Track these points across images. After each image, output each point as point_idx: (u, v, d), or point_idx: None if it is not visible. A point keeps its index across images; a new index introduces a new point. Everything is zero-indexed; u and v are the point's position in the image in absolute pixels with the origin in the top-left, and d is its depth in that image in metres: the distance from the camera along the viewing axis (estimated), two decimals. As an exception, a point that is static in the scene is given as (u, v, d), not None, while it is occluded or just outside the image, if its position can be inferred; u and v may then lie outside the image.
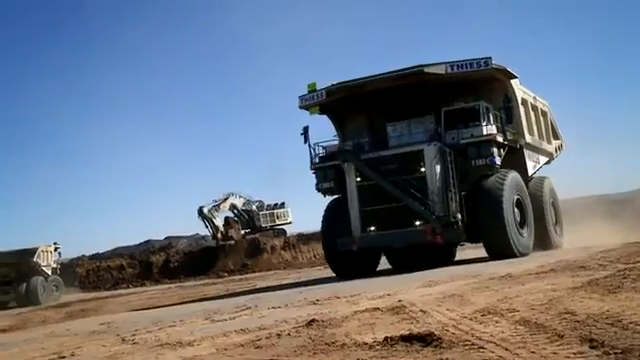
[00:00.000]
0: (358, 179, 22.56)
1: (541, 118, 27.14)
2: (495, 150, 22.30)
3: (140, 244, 60.51)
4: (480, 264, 20.76)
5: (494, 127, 22.66)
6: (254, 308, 14.34)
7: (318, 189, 24.26)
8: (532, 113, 25.96)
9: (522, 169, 24.50)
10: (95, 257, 54.93)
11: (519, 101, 24.24)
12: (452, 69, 22.07)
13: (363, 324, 9.74)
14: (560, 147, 29.60)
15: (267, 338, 9.40)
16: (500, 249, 22.08)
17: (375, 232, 22.46)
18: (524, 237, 23.06)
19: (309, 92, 23.91)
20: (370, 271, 24.11)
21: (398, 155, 22.50)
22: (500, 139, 22.70)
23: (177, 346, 9.80)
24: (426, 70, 22.21)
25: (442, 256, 24.65)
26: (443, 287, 14.14)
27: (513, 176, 22.91)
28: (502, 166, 22.86)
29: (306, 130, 23.95)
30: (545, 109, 27.98)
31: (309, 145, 24.09)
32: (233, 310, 14.36)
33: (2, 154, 75.84)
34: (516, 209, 22.83)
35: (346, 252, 22.56)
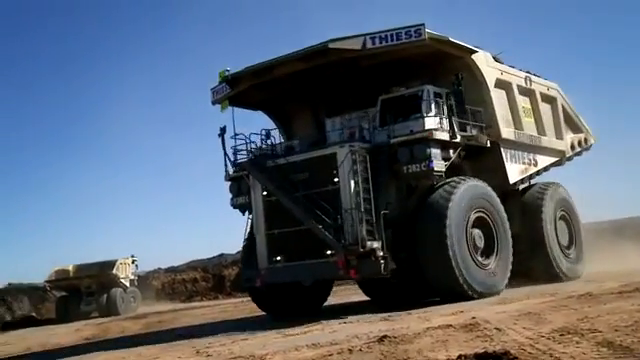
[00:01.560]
0: (265, 193, 17.45)
1: (541, 106, 20.91)
2: (435, 152, 16.45)
3: (213, 258, 61.33)
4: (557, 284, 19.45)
5: (436, 120, 17.01)
6: (325, 323, 14.27)
7: (233, 205, 18.75)
8: (520, 99, 19.87)
9: (500, 174, 18.94)
10: (170, 270, 55.87)
11: (490, 83, 18.38)
12: (373, 43, 16.43)
13: (436, 341, 9.57)
14: (582, 142, 23.22)
15: (339, 353, 9.40)
16: (445, 287, 16.48)
17: (283, 263, 17.09)
18: (487, 270, 17.04)
19: (220, 82, 18.86)
20: (317, 305, 19.54)
21: (308, 161, 16.95)
22: (443, 136, 16.83)
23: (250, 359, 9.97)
24: (332, 46, 16.52)
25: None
26: (518, 305, 13.73)
27: (469, 187, 16.97)
28: (464, 172, 17.90)
29: (223, 131, 18.14)
30: (552, 94, 21.68)
31: (224, 150, 18.30)
32: (305, 324, 14.31)
33: (85, 169, 78.40)
34: (476, 230, 17.00)
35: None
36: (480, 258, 17.11)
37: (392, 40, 16.58)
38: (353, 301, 22.14)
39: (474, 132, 18.03)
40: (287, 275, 17.19)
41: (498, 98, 18.87)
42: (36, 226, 68.77)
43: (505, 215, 18.09)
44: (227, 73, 17.95)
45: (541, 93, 20.98)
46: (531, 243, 19.90)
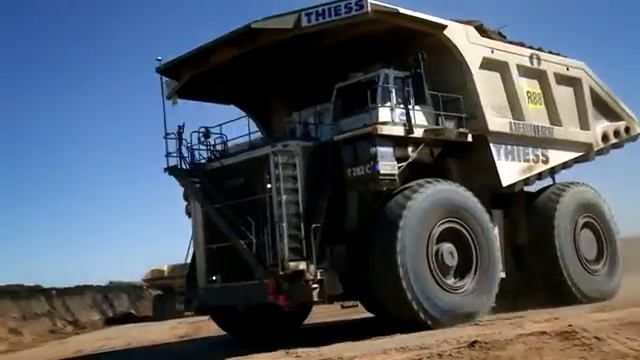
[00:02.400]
0: None
1: (557, 90, 17.10)
2: (383, 150, 13.38)
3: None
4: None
5: (387, 111, 13.97)
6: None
7: (187, 213, 16.19)
8: (522, 82, 16.32)
9: (491, 175, 15.47)
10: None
11: (473, 64, 15.01)
12: (309, 20, 13.69)
13: (529, 348, 9.24)
14: (622, 132, 19.09)
15: (428, 358, 9.44)
16: (393, 313, 13.65)
17: (219, 283, 14.56)
18: (458, 293, 13.87)
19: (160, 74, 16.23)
20: (292, 326, 16.85)
21: (242, 164, 14.38)
22: (395, 131, 13.77)
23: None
24: (255, 26, 13.73)
25: None
26: (619, 313, 12.65)
27: (434, 192, 13.82)
28: (449, 173, 15.17)
29: (180, 130, 15.43)
30: (574, 74, 17.83)
31: (179, 151, 15.47)
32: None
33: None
34: (446, 245, 13.81)
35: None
36: (451, 279, 13.97)
37: (331, 16, 13.76)
38: (338, 320, 19.57)
39: (450, 124, 14.79)
40: (221, 298, 14.69)
41: (486, 81, 15.45)
42: (133, 227, 69.23)
43: (490, 225, 14.76)
44: (160, 64, 15.61)
45: (556, 74, 17.23)
46: (539, 257, 16.39)
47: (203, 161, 15.53)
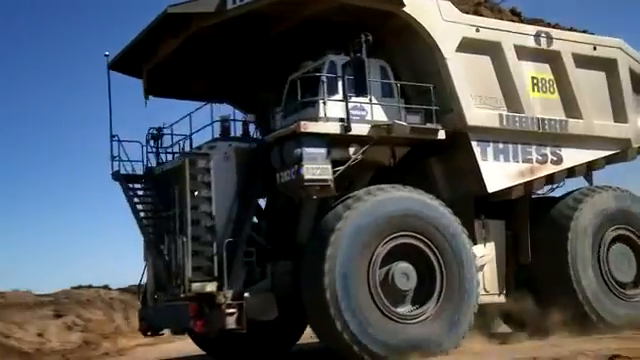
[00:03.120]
0: None
1: (577, 74, 13.96)
2: (310, 152, 11.31)
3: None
4: None
5: (331, 105, 11.88)
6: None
7: None
8: (524, 67, 13.51)
9: (475, 179, 12.88)
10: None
11: (447, 46, 12.51)
12: (234, 1, 11.67)
13: None
14: None
15: None
16: (327, 344, 11.82)
17: (162, 302, 12.92)
18: (413, 322, 11.48)
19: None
20: (285, 346, 14.83)
21: (175, 171, 12.62)
22: (326, 128, 11.64)
23: None
24: (171, 11, 11.87)
25: None
26: None
27: (381, 202, 11.53)
28: (430, 178, 13.14)
29: (157, 133, 13.82)
30: (606, 54, 14.55)
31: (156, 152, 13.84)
32: (525, 335, 13.46)
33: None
34: (400, 265, 11.54)
35: None
36: (405, 306, 11.65)
37: None
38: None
39: (414, 119, 12.40)
40: (163, 319, 13.06)
41: (469, 67, 12.83)
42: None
43: (464, 241, 12.17)
44: (107, 60, 14.32)
45: (577, 55, 14.06)
46: (548, 278, 13.54)
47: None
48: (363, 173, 12.71)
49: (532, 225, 13.91)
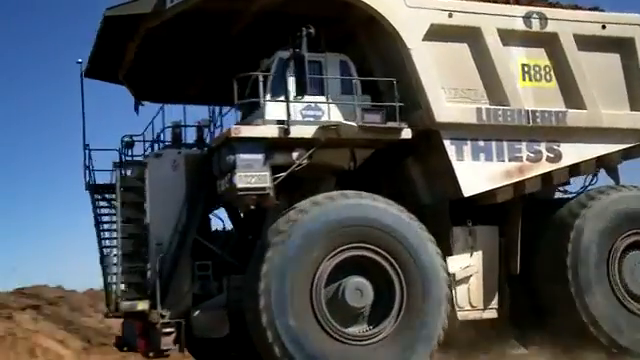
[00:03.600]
0: None
1: (575, 58, 12.19)
2: (244, 158, 10.41)
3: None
4: None
5: (277, 106, 10.93)
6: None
7: None
8: (513, 52, 11.98)
9: (450, 181, 11.52)
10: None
11: (409, 35, 11.17)
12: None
13: None
14: None
15: None
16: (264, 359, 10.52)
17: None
18: (364, 344, 10.34)
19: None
20: None
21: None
22: (262, 132, 10.72)
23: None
24: (109, 14, 11.30)
25: None
26: None
27: (327, 211, 10.50)
28: (410, 182, 12.04)
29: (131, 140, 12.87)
30: (619, 33, 12.65)
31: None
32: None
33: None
34: (353, 280, 10.46)
35: None
36: (359, 325, 10.58)
37: None
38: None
39: (374, 117, 11.24)
40: (127, 335, 12.36)
41: (440, 57, 11.50)
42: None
43: (431, 252, 10.89)
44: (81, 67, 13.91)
45: (580, 37, 12.30)
46: (548, 295, 12.03)
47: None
48: (326, 178, 11.70)
49: (532, 231, 12.37)
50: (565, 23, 12.28)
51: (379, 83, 11.73)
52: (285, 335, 9.96)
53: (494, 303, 12.13)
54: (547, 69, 12.21)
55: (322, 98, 11.31)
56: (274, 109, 11.01)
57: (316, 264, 10.27)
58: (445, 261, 11.29)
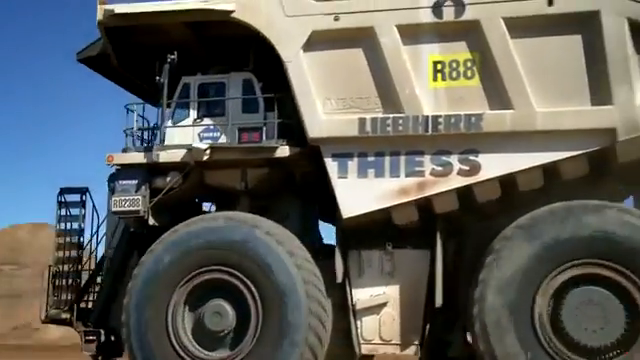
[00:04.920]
0: None
1: (505, 48, 9.87)
2: (123, 183, 10.92)
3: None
4: None
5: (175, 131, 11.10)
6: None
7: None
8: (419, 51, 10.18)
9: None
10: None
11: (286, 48, 10.45)
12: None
13: None
14: None
15: None
16: None
17: None
18: None
19: None
20: None
21: None
22: (137, 158, 11.16)
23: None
24: (79, 57, 11.90)
25: None
26: None
27: (180, 237, 10.45)
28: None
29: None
30: (578, 7, 9.77)
31: None
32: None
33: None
34: (213, 304, 10.17)
35: None
36: (222, 348, 10.43)
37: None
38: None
39: (254, 137, 11.02)
40: None
41: (324, 65, 10.56)
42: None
43: (294, 274, 10.20)
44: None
45: (511, 20, 9.88)
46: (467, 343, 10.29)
47: None
48: (240, 199, 11.63)
49: (467, 259, 10.48)
50: (490, 6, 10.04)
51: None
52: (139, 352, 10.44)
53: (414, 339, 10.57)
54: (468, 64, 10.18)
55: (224, 119, 11.38)
56: (173, 134, 11.48)
57: (170, 291, 10.45)
58: (331, 287, 10.42)
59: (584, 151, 9.70)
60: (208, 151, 10.81)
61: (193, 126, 11.38)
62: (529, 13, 9.95)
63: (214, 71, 11.83)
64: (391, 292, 10.68)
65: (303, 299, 10.05)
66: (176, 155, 11.07)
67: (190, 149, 10.92)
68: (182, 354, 10.30)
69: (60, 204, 12.39)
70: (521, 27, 9.93)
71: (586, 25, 9.78)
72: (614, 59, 9.56)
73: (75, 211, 12.47)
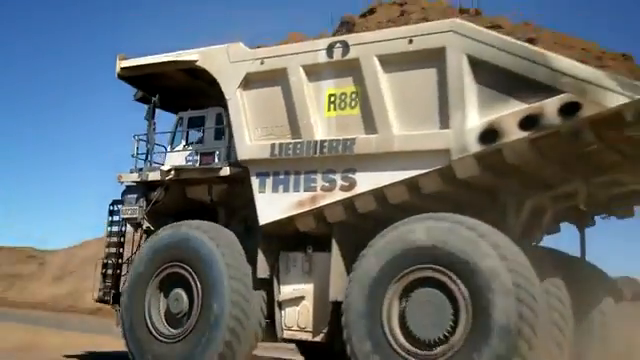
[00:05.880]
0: None
1: (376, 81, 11.63)
2: (128, 197, 15.00)
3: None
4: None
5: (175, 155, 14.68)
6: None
7: None
8: (320, 86, 12.26)
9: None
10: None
11: (228, 88, 13.18)
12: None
13: None
14: (553, 115, 9.98)
15: None
16: None
17: None
18: (170, 342, 13.11)
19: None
20: None
21: None
22: (132, 177, 14.96)
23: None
24: (135, 98, 15.76)
25: None
26: None
27: (158, 238, 14.11)
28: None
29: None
30: (428, 44, 11.25)
31: None
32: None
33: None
34: (175, 292, 13.32)
35: None
36: (179, 327, 13.43)
37: None
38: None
39: (210, 160, 14.13)
40: None
41: (257, 102, 13.12)
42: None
43: (222, 269, 12.98)
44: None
45: (383, 57, 11.62)
46: None
47: None
48: (218, 210, 14.51)
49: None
50: (367, 46, 11.82)
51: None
52: (132, 344, 13.78)
53: (323, 327, 12.62)
54: (353, 96, 12.04)
55: (201, 145, 14.46)
56: (171, 157, 14.80)
57: (148, 279, 13.76)
58: (262, 281, 13.02)
59: (431, 169, 11.09)
60: (172, 172, 13.97)
61: (182, 151, 14.62)
62: (395, 51, 11.57)
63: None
64: (307, 288, 12.83)
65: (225, 294, 12.74)
66: (157, 175, 14.36)
67: (162, 170, 14.20)
68: (149, 324, 13.53)
69: (111, 212, 16.30)
70: (391, 63, 11.59)
71: (436, 60, 11.14)
72: (452, 88, 10.87)
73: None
